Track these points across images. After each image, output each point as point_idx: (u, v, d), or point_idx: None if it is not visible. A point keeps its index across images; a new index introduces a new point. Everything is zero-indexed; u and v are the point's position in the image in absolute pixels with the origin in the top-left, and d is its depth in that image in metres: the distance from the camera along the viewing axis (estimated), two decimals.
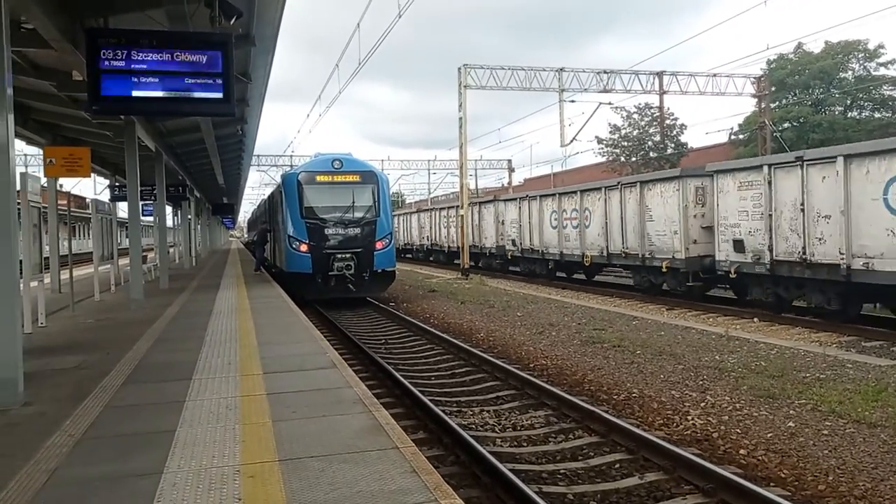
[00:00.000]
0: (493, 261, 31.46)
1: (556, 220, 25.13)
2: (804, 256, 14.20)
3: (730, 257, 16.44)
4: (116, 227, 21.90)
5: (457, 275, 29.09)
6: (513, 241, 28.76)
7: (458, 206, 33.03)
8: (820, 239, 13.93)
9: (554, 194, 25.78)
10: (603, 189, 21.95)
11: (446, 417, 7.61)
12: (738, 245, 16.11)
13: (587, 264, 23.33)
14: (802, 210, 14.22)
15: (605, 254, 21.76)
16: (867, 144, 13.91)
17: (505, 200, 31.01)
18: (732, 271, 16.28)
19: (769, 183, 15.09)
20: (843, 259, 13.19)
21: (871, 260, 12.69)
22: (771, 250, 15.10)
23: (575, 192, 23.87)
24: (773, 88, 39.97)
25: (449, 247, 37.29)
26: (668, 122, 44.04)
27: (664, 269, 18.88)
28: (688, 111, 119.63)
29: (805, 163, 14.22)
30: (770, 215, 15.06)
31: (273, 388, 6.84)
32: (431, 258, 41.02)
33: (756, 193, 15.55)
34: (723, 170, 16.80)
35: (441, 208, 40.50)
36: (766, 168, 15.30)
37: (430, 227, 40.83)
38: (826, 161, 13.74)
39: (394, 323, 16.06)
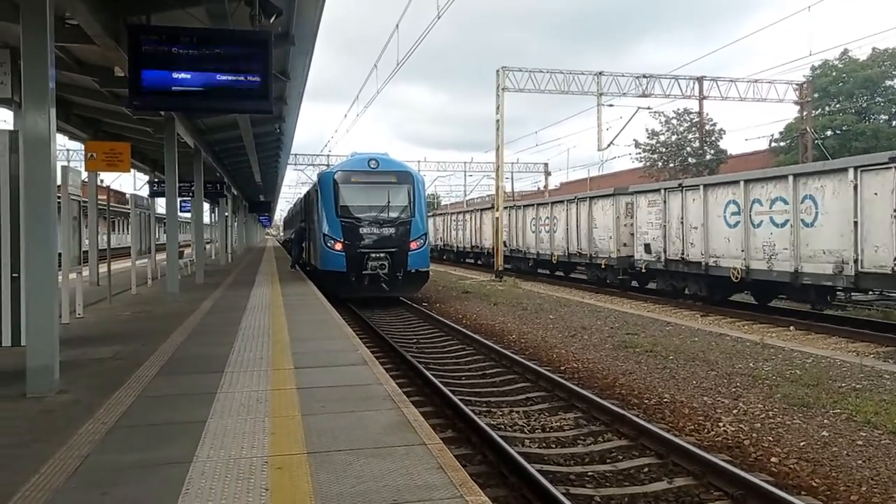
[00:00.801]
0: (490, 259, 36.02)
1: (533, 225, 30.57)
2: (683, 256, 19.41)
3: (643, 256, 21.48)
4: (154, 223, 22.26)
5: (490, 276, 29.05)
6: (504, 242, 31.34)
7: (473, 211, 39.56)
8: (692, 243, 19.24)
9: (532, 204, 31.33)
10: (565, 202, 27.06)
11: (475, 416, 7.60)
12: (647, 248, 21.22)
13: (554, 262, 28.59)
14: (682, 223, 19.53)
15: (566, 253, 26.89)
16: (715, 177, 20.27)
17: (507, 208, 33.43)
18: (644, 267, 21.45)
19: (664, 202, 20.38)
20: (703, 258, 18.60)
21: (718, 259, 18.11)
22: (665, 251, 20.18)
23: (547, 204, 29.49)
24: (815, 95, 39.27)
25: (459, 247, 42.40)
26: (707, 127, 43.48)
27: (604, 266, 23.89)
28: (728, 117, 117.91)
29: (684, 188, 19.78)
30: (664, 226, 20.24)
31: (303, 382, 6.89)
32: (461, 259, 41.27)
33: (658, 210, 20.72)
34: (639, 191, 22.11)
35: (466, 211, 42.17)
36: (662, 191, 20.70)
37: (465, 229, 40.91)
38: (694, 188, 19.33)
39: (426, 323, 16.09)
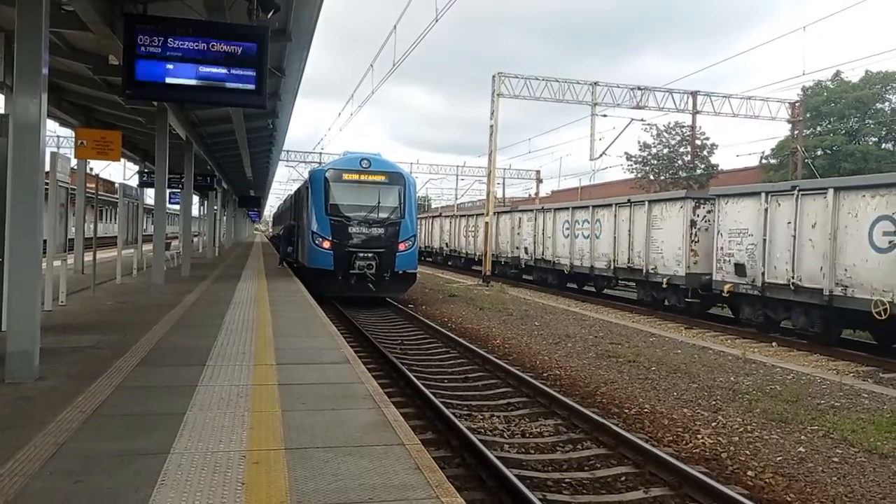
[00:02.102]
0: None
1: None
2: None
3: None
4: (142, 213, 22.17)
5: (478, 281, 29.07)
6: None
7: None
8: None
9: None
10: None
11: (455, 419, 7.60)
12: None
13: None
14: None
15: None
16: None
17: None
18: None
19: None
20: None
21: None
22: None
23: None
24: (808, 115, 39.57)
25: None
26: (699, 142, 43.71)
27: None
28: (720, 132, 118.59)
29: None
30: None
31: (285, 378, 6.88)
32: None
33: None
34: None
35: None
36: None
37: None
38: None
39: (411, 324, 16.09)
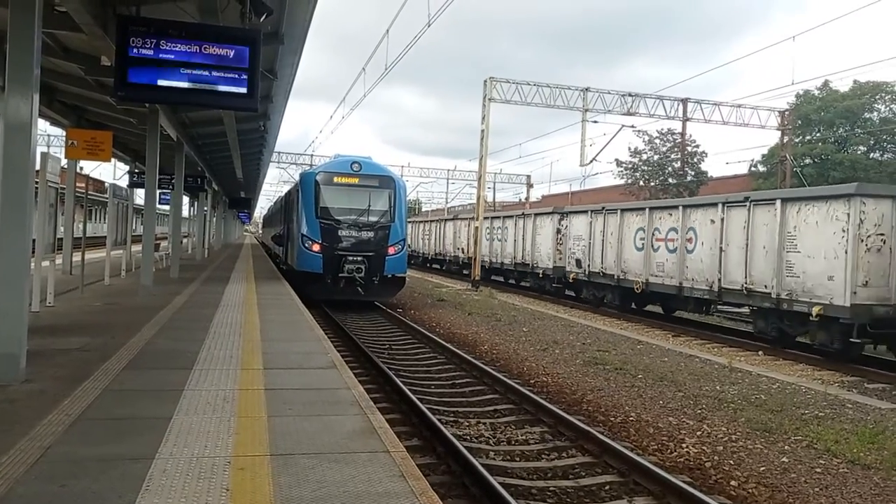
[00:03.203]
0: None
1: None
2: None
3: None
4: (132, 213, 22.10)
5: (467, 286, 29.10)
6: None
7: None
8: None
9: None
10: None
11: (441, 426, 7.62)
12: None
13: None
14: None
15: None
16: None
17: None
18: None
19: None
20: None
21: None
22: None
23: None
24: (798, 123, 39.86)
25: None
26: (689, 149, 43.91)
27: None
28: (711, 139, 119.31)
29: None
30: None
31: (272, 383, 6.89)
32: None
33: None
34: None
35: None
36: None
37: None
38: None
39: (399, 329, 16.10)
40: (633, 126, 34.64)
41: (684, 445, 7.74)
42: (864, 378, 12.53)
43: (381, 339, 14.60)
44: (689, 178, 44.17)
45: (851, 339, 13.39)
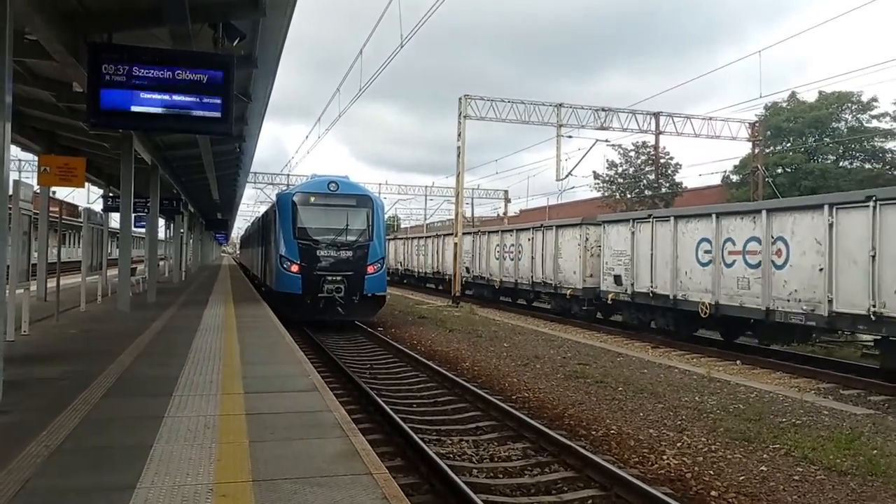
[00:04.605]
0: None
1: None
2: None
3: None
4: (107, 238, 21.89)
5: (447, 302, 29.13)
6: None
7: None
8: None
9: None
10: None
11: (424, 445, 7.64)
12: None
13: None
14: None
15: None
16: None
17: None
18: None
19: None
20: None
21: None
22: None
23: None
24: (768, 133, 40.51)
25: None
26: (663, 161, 44.45)
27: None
28: (685, 152, 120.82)
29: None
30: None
31: (253, 408, 6.87)
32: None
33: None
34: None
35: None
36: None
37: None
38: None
39: (380, 348, 16.08)
40: (607, 140, 35.03)
41: (665, 457, 7.81)
42: (839, 385, 12.70)
43: (362, 358, 14.58)
44: (664, 189, 44.69)
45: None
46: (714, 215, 16.85)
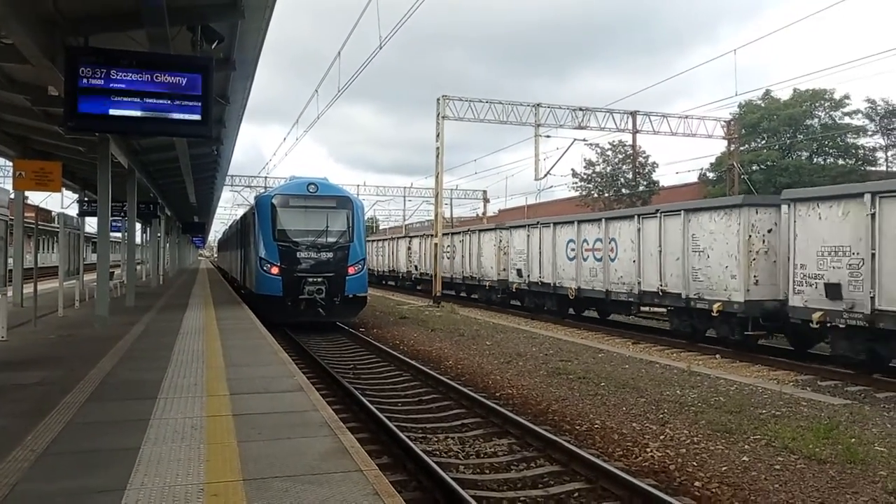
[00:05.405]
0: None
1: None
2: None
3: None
4: (83, 243, 21.69)
5: (428, 302, 29.16)
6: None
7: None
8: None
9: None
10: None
11: (411, 443, 7.67)
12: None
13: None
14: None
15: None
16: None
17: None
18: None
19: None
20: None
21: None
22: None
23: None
24: (742, 131, 41.00)
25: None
26: (640, 159, 44.78)
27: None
28: (661, 150, 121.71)
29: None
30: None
31: (239, 409, 6.87)
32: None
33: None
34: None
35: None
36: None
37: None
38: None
39: (363, 349, 16.08)
40: (584, 139, 35.25)
41: (648, 450, 7.91)
42: (817, 376, 12.91)
43: (345, 359, 14.57)
44: (641, 188, 45.02)
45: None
46: (576, 222, 22.35)
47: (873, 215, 12.22)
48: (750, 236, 15.23)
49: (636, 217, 19.07)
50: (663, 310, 19.47)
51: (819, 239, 13.32)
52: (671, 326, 18.42)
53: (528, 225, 25.33)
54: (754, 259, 15.21)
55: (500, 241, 27.66)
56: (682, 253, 16.93)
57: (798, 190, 15.42)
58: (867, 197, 12.35)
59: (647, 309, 21.57)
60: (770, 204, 15.59)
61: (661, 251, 17.73)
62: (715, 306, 15.59)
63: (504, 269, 27.28)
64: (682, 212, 17.24)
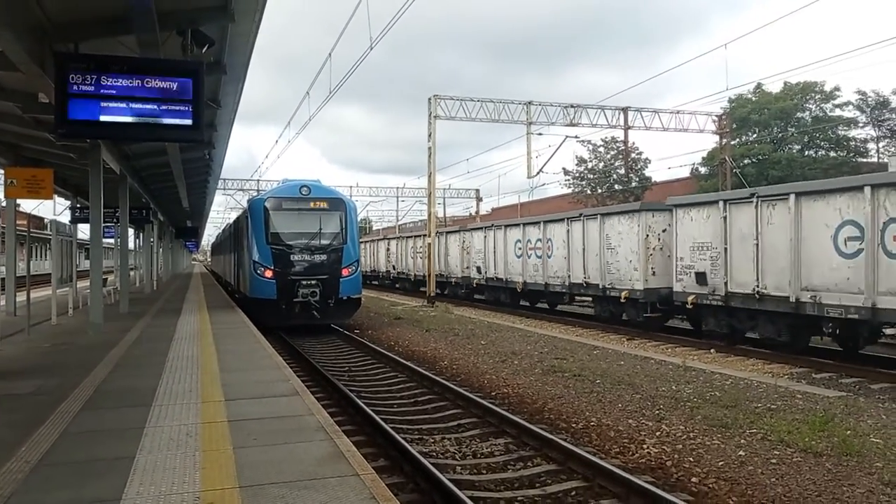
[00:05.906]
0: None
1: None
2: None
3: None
4: (76, 250, 21.63)
5: (423, 302, 29.15)
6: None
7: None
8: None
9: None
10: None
11: (407, 445, 7.67)
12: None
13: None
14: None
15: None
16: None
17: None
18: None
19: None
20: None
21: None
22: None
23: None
24: (734, 125, 41.09)
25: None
26: (632, 156, 44.86)
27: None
28: (653, 145, 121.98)
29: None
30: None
31: (234, 414, 6.86)
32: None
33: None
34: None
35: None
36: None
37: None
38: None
39: (358, 350, 16.07)
40: (576, 136, 35.33)
41: (645, 446, 7.92)
42: (812, 368, 12.96)
43: (340, 361, 14.57)
44: (633, 183, 45.09)
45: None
46: (522, 225, 25.54)
47: (725, 218, 15.58)
48: (647, 235, 18.56)
49: (566, 220, 22.27)
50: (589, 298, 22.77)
51: (691, 237, 16.73)
52: (595, 312, 21.92)
53: (485, 227, 28.55)
54: (651, 254, 18.52)
55: (464, 241, 30.47)
56: (600, 250, 20.22)
57: (678, 197, 18.51)
58: (721, 203, 15.82)
59: (588, 299, 24.11)
60: (664, 208, 18.42)
61: (584, 249, 21.03)
62: (623, 293, 19.06)
63: (467, 267, 30.22)
64: (599, 216, 20.73)
